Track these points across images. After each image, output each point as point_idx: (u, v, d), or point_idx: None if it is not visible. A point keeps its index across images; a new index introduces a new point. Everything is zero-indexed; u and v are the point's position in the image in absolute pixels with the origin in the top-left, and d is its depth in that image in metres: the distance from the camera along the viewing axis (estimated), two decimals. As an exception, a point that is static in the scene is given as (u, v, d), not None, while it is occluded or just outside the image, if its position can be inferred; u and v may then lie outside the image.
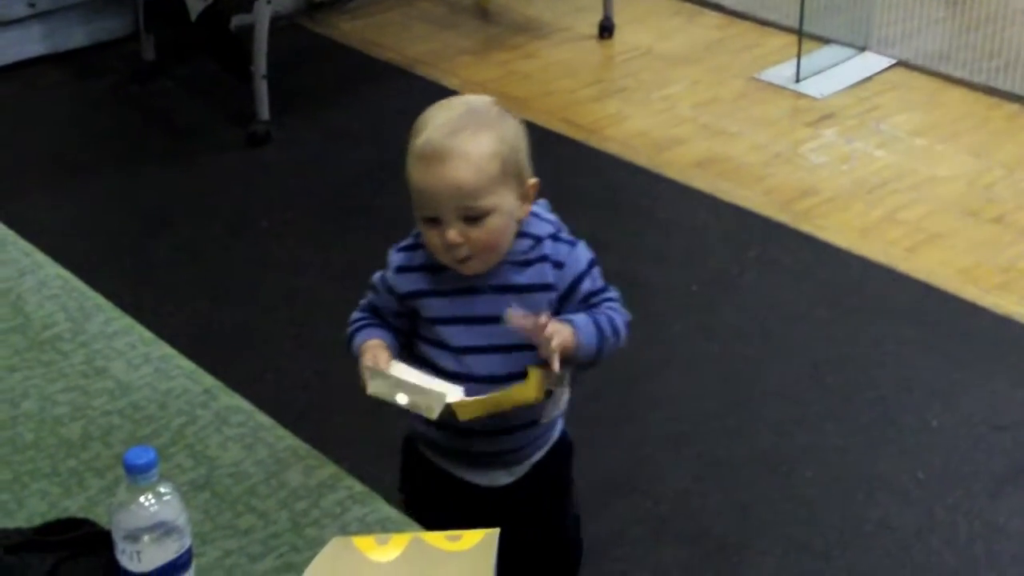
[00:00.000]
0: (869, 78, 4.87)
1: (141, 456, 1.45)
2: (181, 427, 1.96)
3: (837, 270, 3.75)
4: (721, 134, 4.53)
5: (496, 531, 1.47)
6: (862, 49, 5.02)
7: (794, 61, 4.86)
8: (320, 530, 1.75)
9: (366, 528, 1.77)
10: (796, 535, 2.79)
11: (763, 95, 4.78)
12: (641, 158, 4.37)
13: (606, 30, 5.23)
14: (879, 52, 5.01)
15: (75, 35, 5.03)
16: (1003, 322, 3.51)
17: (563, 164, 4.33)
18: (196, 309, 3.56)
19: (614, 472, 2.97)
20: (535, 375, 1.77)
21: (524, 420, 1.91)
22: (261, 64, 4.42)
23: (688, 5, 5.55)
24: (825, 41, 5.07)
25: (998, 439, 3.09)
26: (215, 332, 3.44)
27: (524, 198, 1.83)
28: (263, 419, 1.99)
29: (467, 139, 1.76)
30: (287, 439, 1.95)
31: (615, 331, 1.87)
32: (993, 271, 3.74)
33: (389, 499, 1.87)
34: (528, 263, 1.86)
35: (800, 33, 4.89)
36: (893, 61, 4.96)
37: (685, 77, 4.94)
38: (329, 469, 1.90)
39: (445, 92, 2.14)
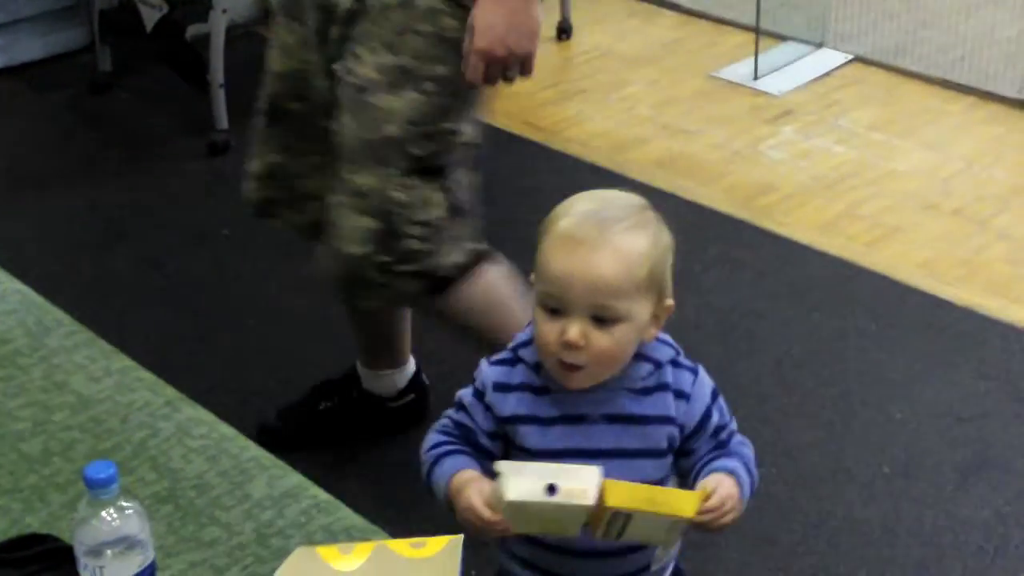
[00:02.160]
0: (826, 74, 4.90)
1: (101, 471, 1.45)
2: (143, 440, 1.95)
3: (798, 266, 3.77)
4: (681, 133, 4.54)
5: (459, 537, 1.47)
6: (819, 45, 5.05)
7: (752, 59, 4.87)
8: (285, 540, 1.75)
9: (331, 537, 1.77)
10: (762, 530, 2.80)
11: (722, 93, 4.80)
12: (602, 158, 4.38)
13: (564, 32, 5.24)
14: (836, 48, 5.03)
15: (31, 48, 4.99)
16: (964, 314, 3.53)
17: (524, 166, 4.33)
18: (157, 320, 3.54)
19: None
20: (699, 496, 1.58)
21: (636, 566, 1.73)
22: (218, 73, 4.40)
23: (645, 5, 5.56)
24: (782, 38, 5.09)
25: (962, 431, 3.11)
26: (176, 343, 3.42)
27: (655, 319, 1.63)
28: (226, 430, 1.98)
29: (623, 232, 1.58)
30: (250, 450, 1.95)
31: (753, 476, 1.69)
32: (953, 263, 3.77)
33: (354, 507, 1.87)
34: (647, 391, 1.65)
35: (757, 31, 4.91)
36: (850, 57, 4.98)
37: (644, 77, 4.95)
38: (293, 479, 1.90)
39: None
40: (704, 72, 4.95)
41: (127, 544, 1.46)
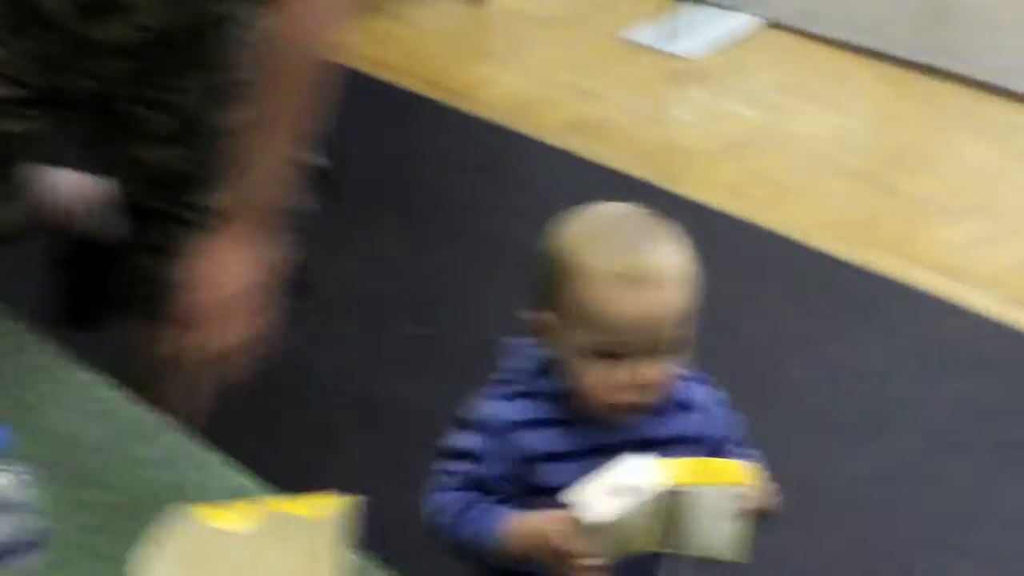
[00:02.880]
0: (737, 37, 4.92)
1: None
2: (30, 403, 1.92)
3: (705, 228, 3.72)
4: (591, 95, 4.55)
5: (354, 498, 1.47)
6: (730, 8, 5.07)
7: (663, 21, 4.88)
8: (169, 500, 1.73)
9: (217, 497, 1.75)
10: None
11: (633, 56, 4.81)
12: (512, 121, 4.37)
13: (476, -7, 5.21)
14: (747, 11, 5.05)
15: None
16: (863, 274, 3.58)
17: (434, 128, 4.32)
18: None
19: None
20: (742, 465, 1.50)
21: None
22: None
23: (558, -33, 5.55)
24: (694, 1, 5.10)
25: (861, 389, 3.16)
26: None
27: None
28: (108, 392, 1.95)
29: (674, 255, 1.48)
30: (134, 411, 1.92)
31: None
32: (854, 225, 3.82)
33: (243, 467, 1.85)
34: (662, 412, 1.55)
35: (668, -7, 4.92)
36: (761, 20, 5.00)
37: (555, 39, 4.94)
38: (177, 439, 1.87)
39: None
40: (616, 35, 4.95)
41: (9, 509, 1.45)
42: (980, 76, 4.54)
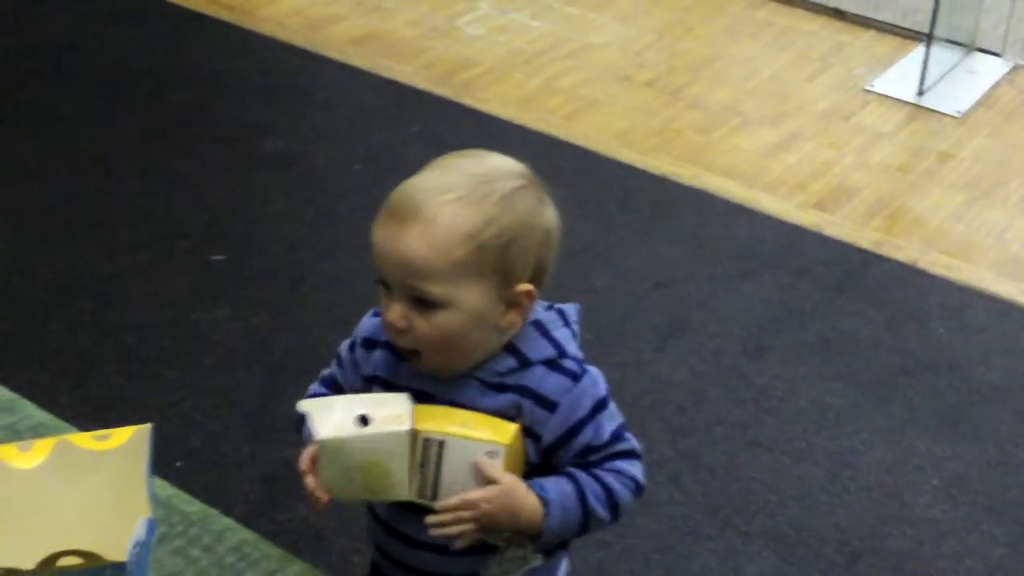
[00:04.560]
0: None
1: None
2: None
3: (498, 141, 3.71)
4: (377, 10, 4.46)
5: (148, 426, 1.40)
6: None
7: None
8: (-35, 442, 1.64)
9: (16, 436, 1.67)
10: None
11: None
12: (297, 37, 4.26)
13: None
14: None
15: None
16: (659, 182, 3.61)
17: (215, 47, 4.18)
18: None
19: (286, 356, 2.92)
20: (517, 428, 1.40)
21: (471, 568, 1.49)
22: None
23: None
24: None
25: (659, 296, 3.19)
26: None
27: (511, 304, 1.39)
28: None
29: (443, 206, 1.35)
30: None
31: (611, 506, 1.45)
32: (648, 134, 3.84)
33: (43, 404, 1.77)
34: (500, 388, 1.42)
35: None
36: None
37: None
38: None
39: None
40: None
41: None
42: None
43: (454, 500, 1.37)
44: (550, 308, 1.49)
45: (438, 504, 1.38)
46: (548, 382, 1.42)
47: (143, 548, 1.28)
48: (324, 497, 1.39)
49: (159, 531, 1.47)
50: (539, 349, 1.44)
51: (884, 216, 3.54)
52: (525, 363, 1.43)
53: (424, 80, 4.05)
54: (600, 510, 1.44)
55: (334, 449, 1.36)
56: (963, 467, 2.76)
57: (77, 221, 3.35)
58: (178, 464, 2.59)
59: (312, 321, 3.05)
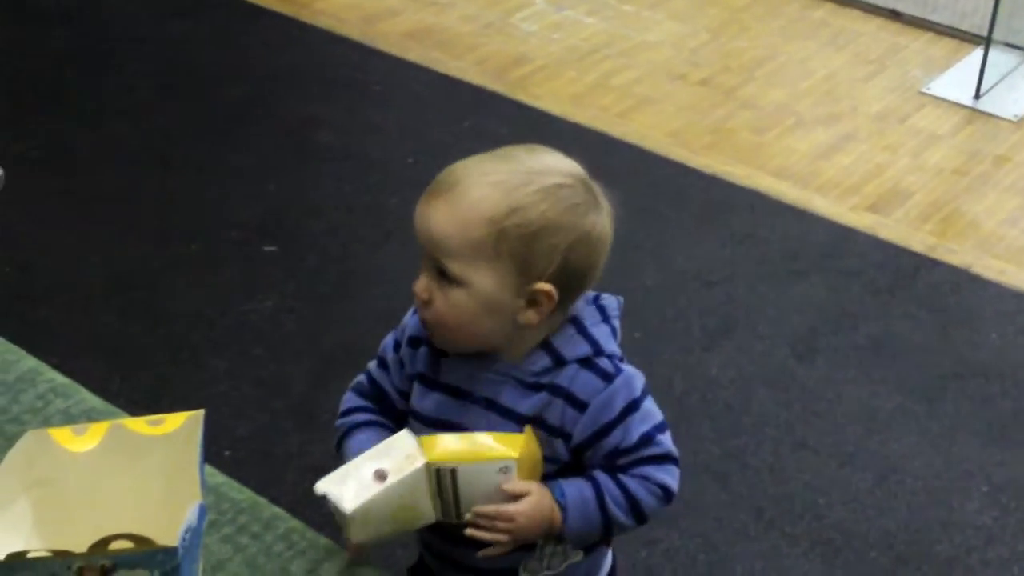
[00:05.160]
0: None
1: None
2: None
3: (551, 137, 3.72)
4: (432, 5, 4.47)
5: (200, 412, 1.42)
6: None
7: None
8: (21, 426, 1.67)
9: (70, 420, 1.69)
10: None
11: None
12: (353, 31, 4.28)
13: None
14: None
15: None
16: (711, 181, 3.60)
17: (272, 41, 4.21)
18: None
19: (335, 348, 2.94)
20: (525, 438, 1.40)
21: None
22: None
23: None
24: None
25: (709, 295, 3.19)
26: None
27: (531, 302, 1.38)
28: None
29: (475, 187, 1.36)
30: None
31: (635, 512, 1.43)
32: (701, 132, 3.83)
33: (95, 391, 1.79)
34: (535, 388, 1.42)
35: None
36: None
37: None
38: (28, 363, 1.80)
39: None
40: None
41: None
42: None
43: (489, 509, 1.38)
44: (592, 302, 1.46)
45: (476, 509, 1.39)
46: (580, 381, 1.41)
47: (194, 534, 1.29)
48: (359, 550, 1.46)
49: (208, 518, 1.49)
50: (575, 347, 1.42)
51: (938, 220, 3.51)
52: (560, 362, 1.41)
53: (478, 75, 4.06)
54: (621, 516, 1.42)
55: (364, 513, 1.38)
56: (1013, 474, 2.74)
57: (131, 212, 3.38)
58: (226, 453, 2.61)
59: (361, 314, 3.06)
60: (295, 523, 1.57)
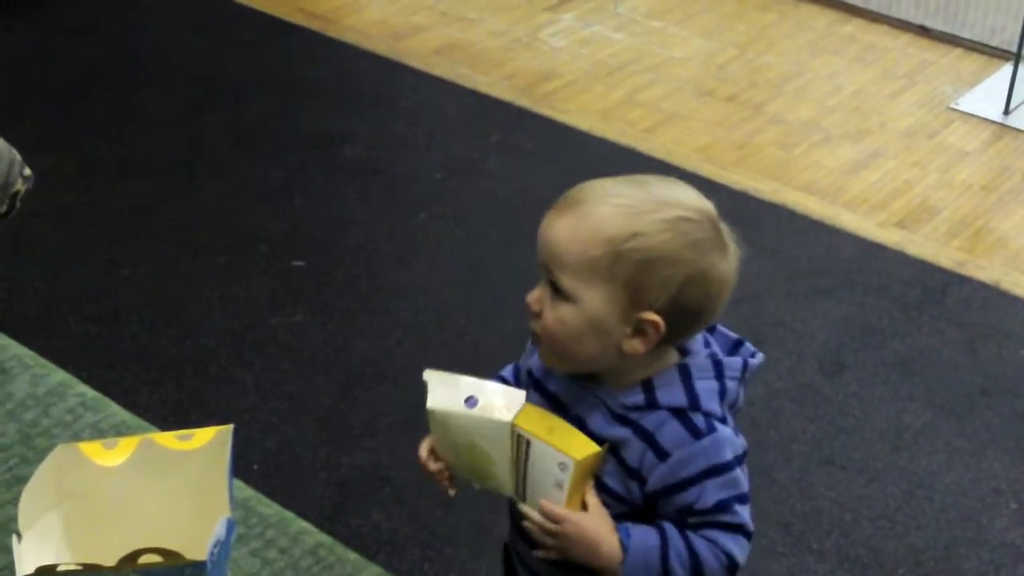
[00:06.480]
0: (605, -39, 4.90)
1: None
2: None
3: (579, 153, 3.78)
4: (460, 20, 4.49)
5: (230, 427, 1.42)
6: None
7: (531, -55, 4.83)
8: (50, 440, 1.68)
9: (99, 434, 1.70)
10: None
11: (501, -20, 4.76)
12: (380, 47, 4.30)
13: (340, -84, 5.09)
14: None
15: None
16: (739, 197, 3.60)
17: (301, 55, 4.23)
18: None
19: (362, 363, 2.94)
20: (598, 450, 1.39)
21: None
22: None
23: None
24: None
25: (736, 311, 3.15)
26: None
27: (637, 331, 1.37)
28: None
29: (600, 207, 1.37)
30: (12, 348, 1.86)
31: (695, 573, 1.41)
32: (729, 148, 3.83)
33: (124, 404, 1.80)
34: (624, 422, 1.41)
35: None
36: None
37: (422, -37, 4.87)
38: (58, 376, 1.82)
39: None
40: (482, -42, 4.90)
41: None
42: (853, 0, 4.60)
43: (548, 507, 1.39)
44: (711, 354, 1.43)
45: (540, 502, 1.40)
46: (667, 429, 1.39)
47: (222, 548, 1.30)
48: (444, 472, 1.48)
49: (237, 532, 1.49)
50: (672, 395, 1.40)
51: (966, 236, 3.50)
52: (653, 404, 1.40)
53: (506, 91, 4.06)
54: (680, 573, 1.40)
55: (440, 421, 1.42)
56: (1042, 492, 2.73)
57: (159, 225, 3.40)
58: (254, 467, 2.62)
59: (389, 329, 3.07)
60: (323, 537, 1.58)
